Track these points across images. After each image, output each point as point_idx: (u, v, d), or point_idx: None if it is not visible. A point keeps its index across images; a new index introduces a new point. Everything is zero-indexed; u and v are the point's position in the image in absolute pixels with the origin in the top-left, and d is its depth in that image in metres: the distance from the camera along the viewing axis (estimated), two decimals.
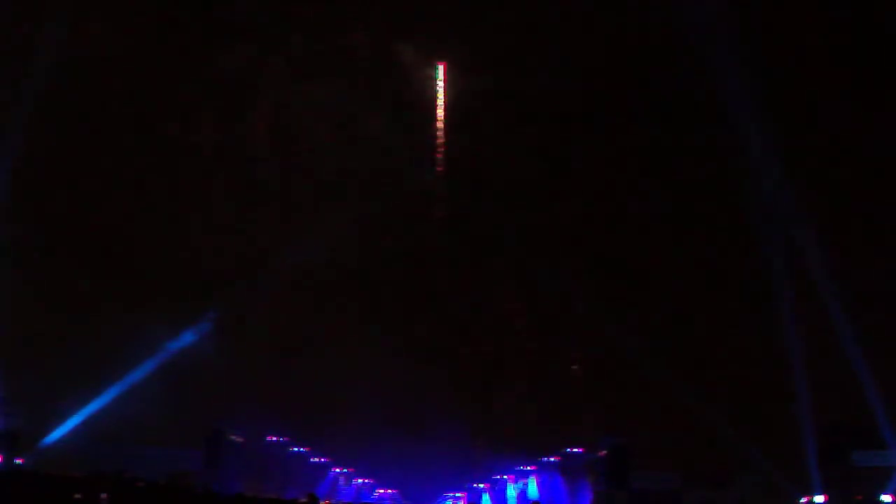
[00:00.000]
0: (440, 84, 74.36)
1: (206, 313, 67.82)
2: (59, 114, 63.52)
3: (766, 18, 64.10)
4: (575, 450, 76.10)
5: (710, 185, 69.99)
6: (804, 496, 63.10)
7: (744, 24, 63.08)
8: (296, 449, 79.13)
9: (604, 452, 72.28)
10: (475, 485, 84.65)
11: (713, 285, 71.13)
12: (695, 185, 70.47)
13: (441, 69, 74.40)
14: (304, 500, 46.13)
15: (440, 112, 74.48)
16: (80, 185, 67.63)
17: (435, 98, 74.44)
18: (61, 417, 62.73)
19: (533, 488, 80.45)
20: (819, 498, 62.17)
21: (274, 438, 77.14)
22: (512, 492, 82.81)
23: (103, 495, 40.64)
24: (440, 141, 74.71)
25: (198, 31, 69.23)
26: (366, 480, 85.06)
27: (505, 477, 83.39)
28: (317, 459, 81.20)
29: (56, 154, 65.27)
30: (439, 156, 74.71)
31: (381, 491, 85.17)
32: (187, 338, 67.06)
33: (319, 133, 72.37)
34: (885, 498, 60.97)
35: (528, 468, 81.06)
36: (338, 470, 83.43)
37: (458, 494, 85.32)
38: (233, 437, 72.00)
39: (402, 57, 72.77)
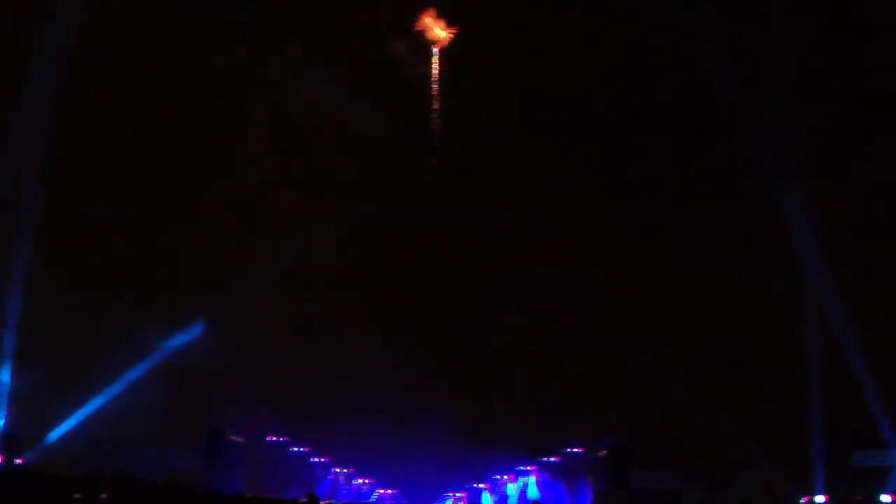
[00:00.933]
0: (436, 81, 74.14)
1: (205, 312, 67.85)
2: (53, 115, 63.48)
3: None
4: (575, 450, 76.11)
5: (708, 184, 70.11)
6: (804, 496, 63.10)
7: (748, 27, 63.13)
8: (296, 449, 79.11)
9: (604, 452, 72.27)
10: (475, 485, 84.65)
11: (714, 285, 71.17)
12: (693, 184, 70.55)
13: (437, 65, 74.16)
14: (304, 500, 46.17)
15: (437, 109, 74.24)
16: (73, 184, 67.45)
17: (432, 95, 74.24)
18: (61, 418, 62.74)
19: (533, 488, 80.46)
20: (820, 498, 62.16)
21: (274, 438, 77.12)
22: (512, 492, 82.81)
23: (103, 495, 40.59)
24: (437, 141, 74.57)
25: (193, 31, 69.06)
26: (366, 480, 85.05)
27: (505, 477, 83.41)
28: (317, 459, 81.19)
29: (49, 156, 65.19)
30: (436, 158, 74.57)
31: (382, 491, 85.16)
32: (186, 337, 67.06)
33: (315, 131, 72.24)
34: (885, 498, 60.94)
35: (528, 468, 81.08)
36: (338, 470, 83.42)
37: (458, 494, 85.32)
38: (233, 437, 71.97)
39: (398, 53, 72.62)
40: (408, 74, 73.48)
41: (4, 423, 58.59)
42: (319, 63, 71.36)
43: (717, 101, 63.86)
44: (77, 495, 40.35)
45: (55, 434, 62.44)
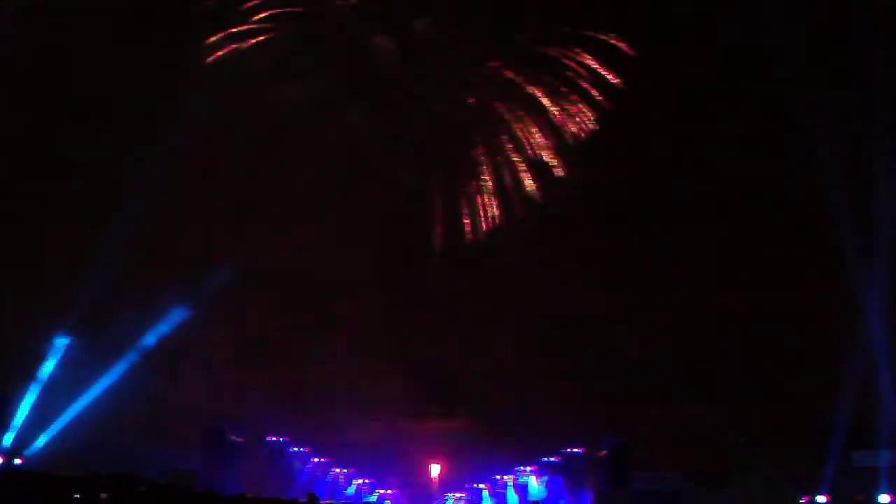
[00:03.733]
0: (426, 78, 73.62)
1: (202, 311, 67.80)
2: (33, 108, 63.27)
3: None
4: (575, 450, 76.04)
5: (713, 182, 69.78)
6: (805, 496, 63.13)
7: None
8: (296, 449, 79.06)
9: (604, 452, 72.23)
10: (475, 485, 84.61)
11: (714, 285, 71.12)
12: (697, 182, 70.14)
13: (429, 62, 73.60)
14: (304, 500, 46.24)
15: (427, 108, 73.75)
16: (63, 179, 67.15)
17: (420, 93, 73.73)
18: (59, 418, 62.74)
19: (533, 489, 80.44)
20: (821, 498, 62.21)
21: (274, 438, 77.05)
22: (512, 492, 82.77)
23: (103, 495, 40.65)
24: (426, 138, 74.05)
25: (175, 27, 68.40)
26: (366, 480, 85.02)
27: (505, 477, 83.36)
28: (317, 459, 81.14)
29: (32, 149, 65.05)
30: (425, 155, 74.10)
31: (382, 491, 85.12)
32: (184, 336, 67.04)
33: (301, 130, 71.72)
34: (884, 498, 60.97)
35: (528, 468, 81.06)
36: (338, 470, 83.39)
37: (458, 494, 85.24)
38: (233, 437, 71.89)
39: (382, 49, 72.11)
40: (393, 69, 72.72)
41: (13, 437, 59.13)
42: (304, 60, 70.78)
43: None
44: (77, 495, 40.42)
45: (54, 434, 62.45)
